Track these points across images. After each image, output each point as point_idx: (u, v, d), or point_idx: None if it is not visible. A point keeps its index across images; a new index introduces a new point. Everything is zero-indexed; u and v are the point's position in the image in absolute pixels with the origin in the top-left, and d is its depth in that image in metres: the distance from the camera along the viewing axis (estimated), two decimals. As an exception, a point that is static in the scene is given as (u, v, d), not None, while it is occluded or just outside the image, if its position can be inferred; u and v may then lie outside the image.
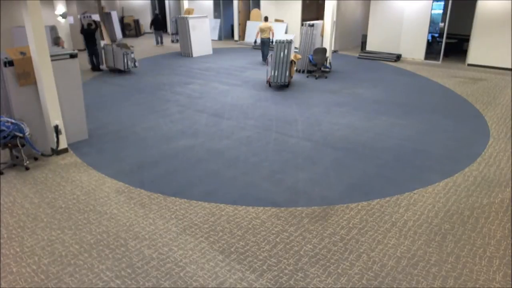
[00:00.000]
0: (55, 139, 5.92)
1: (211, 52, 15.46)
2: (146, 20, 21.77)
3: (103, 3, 19.93)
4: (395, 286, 3.41)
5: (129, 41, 17.88)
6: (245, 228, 4.23)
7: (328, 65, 11.69)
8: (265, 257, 3.76)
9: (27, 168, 5.59)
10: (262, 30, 12.96)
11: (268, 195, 4.89)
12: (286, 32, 15.78)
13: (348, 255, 3.80)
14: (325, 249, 3.89)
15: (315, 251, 3.85)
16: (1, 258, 3.78)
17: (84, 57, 12.39)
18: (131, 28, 21.27)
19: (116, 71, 11.96)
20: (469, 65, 12.79)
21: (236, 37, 19.36)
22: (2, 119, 5.37)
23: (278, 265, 3.66)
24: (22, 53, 5.68)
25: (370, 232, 4.16)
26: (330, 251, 3.86)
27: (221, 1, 19.92)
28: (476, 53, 12.54)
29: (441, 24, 14.45)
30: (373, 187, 5.07)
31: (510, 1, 11.57)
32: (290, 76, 9.85)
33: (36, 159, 5.89)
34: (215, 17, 19.95)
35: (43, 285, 3.43)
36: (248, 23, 18.35)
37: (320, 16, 15.73)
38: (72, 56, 6.22)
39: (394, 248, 3.90)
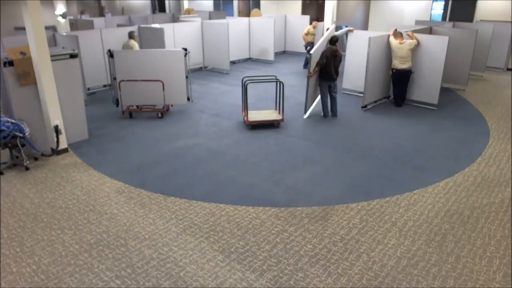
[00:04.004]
0: (55, 139, 5.92)
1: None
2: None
3: (103, 3, 19.92)
4: (395, 286, 3.41)
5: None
6: (245, 228, 4.23)
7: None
8: (265, 257, 3.76)
9: (27, 168, 5.59)
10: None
11: (268, 195, 4.89)
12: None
13: (348, 255, 3.80)
14: (325, 249, 3.89)
15: (315, 251, 3.85)
16: (1, 258, 3.78)
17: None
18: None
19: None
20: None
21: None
22: (2, 119, 5.37)
23: (278, 265, 3.66)
24: (22, 53, 5.68)
25: (370, 232, 4.16)
26: (330, 251, 3.86)
27: (221, 1, 19.92)
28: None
29: (441, 24, 14.44)
30: (373, 187, 5.07)
31: (510, 1, 11.57)
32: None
33: (36, 159, 5.89)
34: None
35: (43, 285, 3.43)
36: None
37: (320, 16, 15.73)
38: (72, 56, 6.22)
39: (394, 248, 3.90)
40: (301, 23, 13.94)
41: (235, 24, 12.65)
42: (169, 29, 10.55)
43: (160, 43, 9.58)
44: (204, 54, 12.00)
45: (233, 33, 12.13)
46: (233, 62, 13.03)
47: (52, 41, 8.33)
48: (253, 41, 13.41)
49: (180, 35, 11.16)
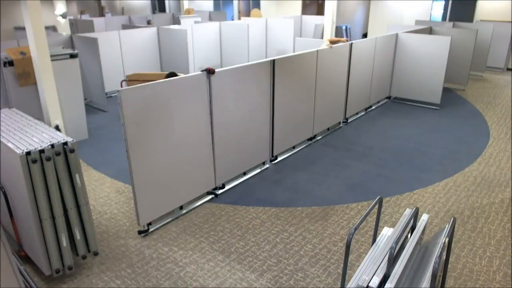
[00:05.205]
0: None
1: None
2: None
3: (103, 3, 19.93)
4: (395, 286, 3.41)
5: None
6: (245, 228, 4.23)
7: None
8: (265, 257, 3.76)
9: None
10: None
11: (268, 195, 4.89)
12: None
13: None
14: (325, 249, 3.89)
15: (315, 251, 3.85)
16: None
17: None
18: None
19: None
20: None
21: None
22: None
23: (278, 265, 3.66)
24: (22, 53, 5.69)
25: (370, 232, 4.15)
26: (330, 251, 3.86)
27: (221, 1, 19.93)
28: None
29: (441, 24, 14.46)
30: (373, 187, 5.07)
31: (510, 1, 11.58)
32: None
33: None
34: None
35: (43, 285, 3.43)
36: (248, 23, 18.32)
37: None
38: (72, 56, 6.23)
39: (394, 248, 3.90)
40: (318, 24, 13.59)
41: (253, 25, 12.15)
42: (187, 30, 10.24)
43: (183, 46, 9.28)
44: (221, 57, 11.68)
45: (250, 34, 11.64)
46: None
47: (69, 43, 8.19)
48: (270, 43, 12.90)
49: (198, 37, 10.80)
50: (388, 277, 2.24)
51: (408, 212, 2.83)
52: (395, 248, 2.31)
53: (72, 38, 8.25)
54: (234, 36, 11.13)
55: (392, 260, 2.30)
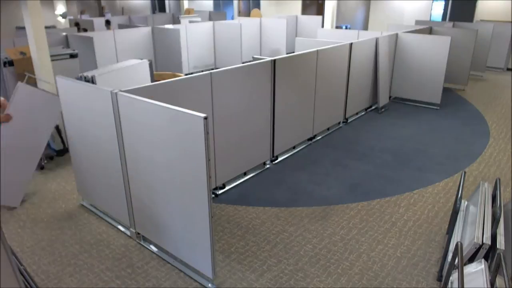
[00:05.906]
0: (60, 139, 5.92)
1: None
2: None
3: (103, 3, 19.93)
4: (395, 286, 3.41)
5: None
6: (245, 228, 4.23)
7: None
8: (265, 257, 3.76)
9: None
10: None
11: (268, 195, 4.89)
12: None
13: (348, 255, 3.80)
14: (325, 249, 3.89)
15: (315, 251, 3.85)
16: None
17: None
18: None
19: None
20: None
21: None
22: None
23: (278, 265, 3.66)
24: (22, 53, 5.69)
25: (370, 232, 4.16)
26: (330, 251, 3.86)
27: (221, 1, 19.93)
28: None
29: (441, 24, 14.46)
30: (373, 187, 5.07)
31: (510, 1, 11.58)
32: None
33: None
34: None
35: (43, 285, 3.43)
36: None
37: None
38: (72, 56, 6.23)
39: (394, 248, 3.90)
40: (313, 23, 13.60)
41: (247, 25, 12.17)
42: (181, 30, 10.30)
43: (176, 45, 9.28)
44: (215, 56, 11.69)
45: (244, 34, 11.63)
46: (243, 63, 12.60)
47: (65, 42, 8.19)
48: (264, 42, 12.99)
49: (191, 36, 10.87)
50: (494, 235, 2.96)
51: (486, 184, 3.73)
52: (500, 212, 3.09)
53: (67, 37, 8.27)
54: (228, 36, 11.20)
55: (498, 222, 3.01)
